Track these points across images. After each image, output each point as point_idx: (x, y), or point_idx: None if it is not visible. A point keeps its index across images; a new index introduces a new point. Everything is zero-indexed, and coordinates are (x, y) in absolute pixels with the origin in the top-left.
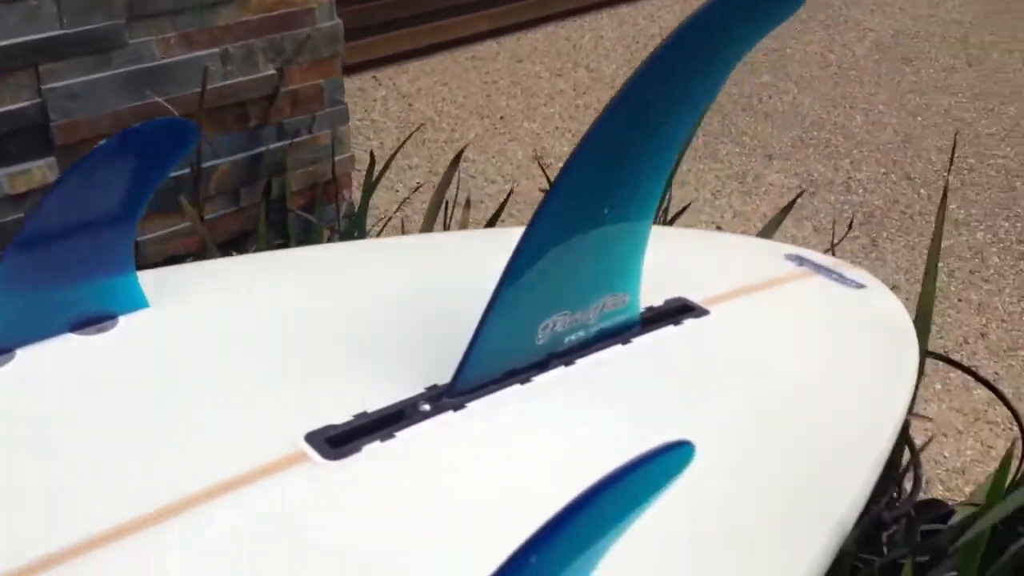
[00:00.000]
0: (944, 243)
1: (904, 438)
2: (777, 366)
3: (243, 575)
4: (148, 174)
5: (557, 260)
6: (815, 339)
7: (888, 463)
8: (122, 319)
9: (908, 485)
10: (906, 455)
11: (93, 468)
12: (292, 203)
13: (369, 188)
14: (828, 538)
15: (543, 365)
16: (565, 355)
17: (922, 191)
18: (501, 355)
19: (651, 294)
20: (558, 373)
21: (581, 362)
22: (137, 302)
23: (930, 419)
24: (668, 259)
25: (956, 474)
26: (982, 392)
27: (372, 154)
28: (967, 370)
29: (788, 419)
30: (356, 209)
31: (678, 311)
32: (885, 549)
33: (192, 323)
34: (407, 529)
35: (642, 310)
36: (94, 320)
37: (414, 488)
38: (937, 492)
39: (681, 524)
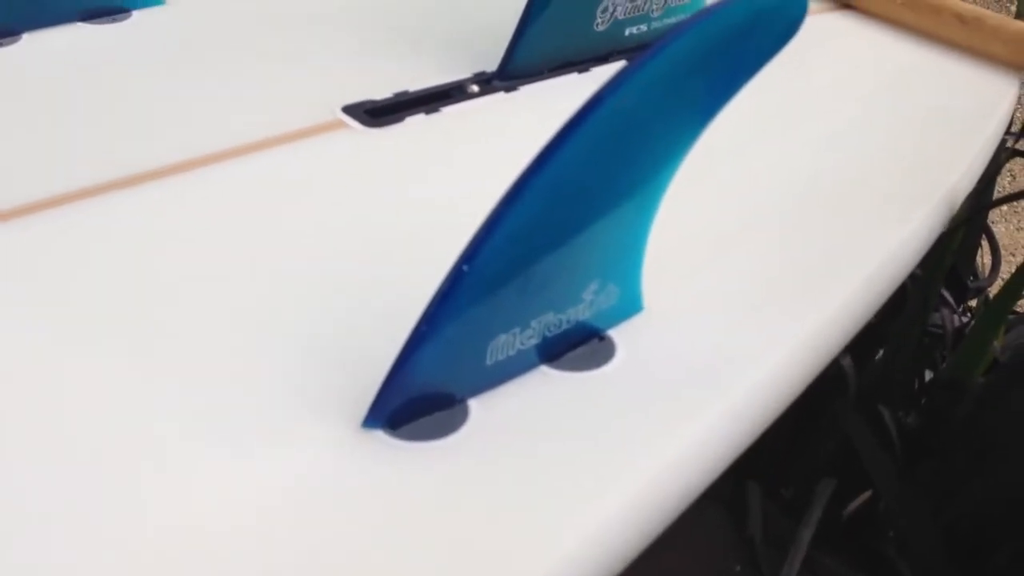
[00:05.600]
0: None
1: (982, 223)
2: (863, 73)
3: (269, 228)
4: None
5: None
6: (907, 47)
7: (967, 248)
8: (136, 13)
9: None
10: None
11: (113, 128)
12: None
13: None
14: (943, 199)
15: (603, 59)
16: (627, 51)
17: None
18: (557, 39)
19: None
20: (620, 65)
21: None
22: None
23: None
24: None
25: None
26: None
27: None
28: None
29: (890, 111)
30: None
31: None
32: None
33: (216, 13)
34: (449, 197)
35: None
36: (105, 12)
37: (459, 157)
38: None
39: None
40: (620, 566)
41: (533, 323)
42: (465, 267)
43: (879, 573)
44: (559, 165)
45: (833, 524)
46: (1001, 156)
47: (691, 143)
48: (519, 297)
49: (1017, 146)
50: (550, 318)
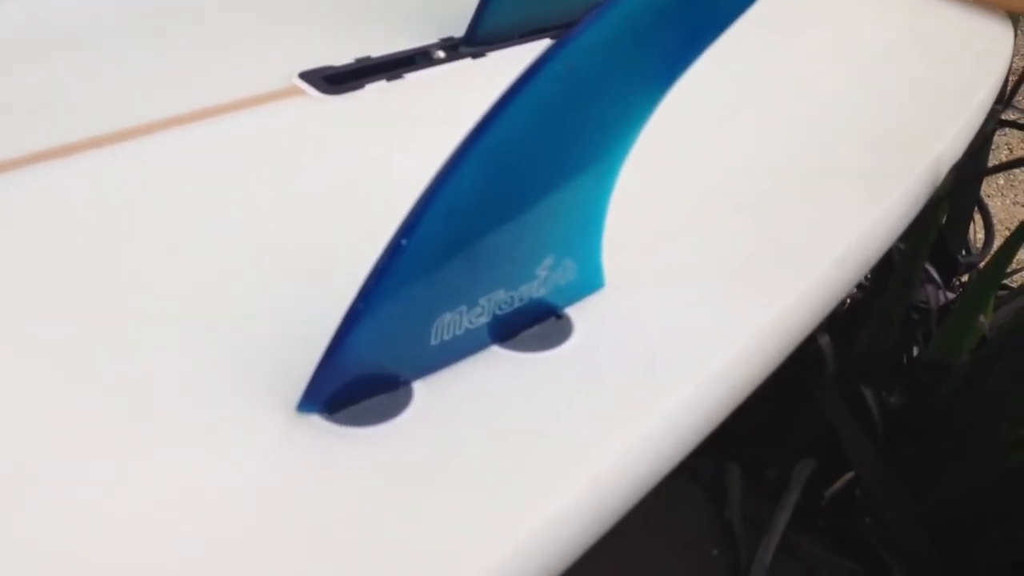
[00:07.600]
0: None
1: (975, 196)
2: (849, 36)
3: (211, 201)
4: None
5: None
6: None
7: (958, 221)
8: None
9: None
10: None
11: (58, 95)
12: None
13: None
14: (925, 171)
15: None
16: None
17: None
18: (528, 3)
19: None
20: None
21: None
22: None
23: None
24: None
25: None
26: None
27: None
28: None
29: (874, 78)
30: None
31: None
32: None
33: None
34: (408, 168)
35: None
36: None
37: (421, 126)
38: None
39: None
40: (573, 558)
41: (482, 301)
42: (403, 241)
43: (860, 556)
44: (500, 132)
45: (814, 506)
46: (989, 126)
47: (651, 109)
48: (465, 273)
49: (1005, 116)
50: (501, 295)
